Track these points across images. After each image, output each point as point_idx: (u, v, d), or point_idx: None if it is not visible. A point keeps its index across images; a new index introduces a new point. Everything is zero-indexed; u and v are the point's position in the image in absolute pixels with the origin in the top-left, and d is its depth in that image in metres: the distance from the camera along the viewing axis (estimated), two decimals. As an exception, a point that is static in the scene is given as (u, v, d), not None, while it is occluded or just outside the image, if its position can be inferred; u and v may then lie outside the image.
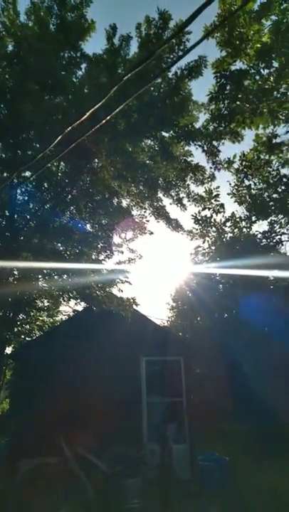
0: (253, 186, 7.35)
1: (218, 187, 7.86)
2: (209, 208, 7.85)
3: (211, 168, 8.13)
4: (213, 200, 7.90)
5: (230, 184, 7.61)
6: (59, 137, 2.85)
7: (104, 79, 7.55)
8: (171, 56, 7.72)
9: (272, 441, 9.34)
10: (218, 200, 7.77)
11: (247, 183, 7.35)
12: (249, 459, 8.33)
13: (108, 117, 2.76)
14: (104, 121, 2.74)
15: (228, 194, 7.65)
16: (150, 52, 6.33)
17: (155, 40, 7.62)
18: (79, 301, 9.35)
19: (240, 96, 6.25)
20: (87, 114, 2.64)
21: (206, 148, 7.97)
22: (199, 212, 7.79)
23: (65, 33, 7.95)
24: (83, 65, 8.40)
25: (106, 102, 3.79)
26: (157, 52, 6.38)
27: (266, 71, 6.13)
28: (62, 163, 8.43)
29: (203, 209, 7.81)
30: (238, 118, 6.41)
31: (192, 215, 7.78)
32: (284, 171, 7.19)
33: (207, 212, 7.88)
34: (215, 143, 7.74)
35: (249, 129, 6.73)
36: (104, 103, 3.24)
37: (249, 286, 8.60)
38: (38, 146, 7.35)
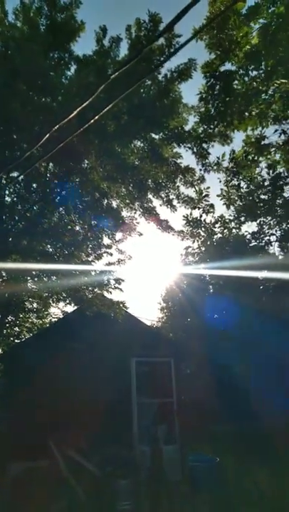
0: (242, 185, 7.42)
1: (209, 187, 8.01)
2: (199, 208, 7.91)
3: (200, 170, 8.20)
4: (203, 201, 8.00)
5: (220, 181, 7.71)
6: (46, 136, 2.84)
7: (92, 79, 7.54)
8: (161, 59, 7.75)
9: (263, 442, 9.40)
10: (208, 201, 7.88)
11: (236, 182, 7.42)
12: (240, 459, 8.36)
13: (96, 117, 2.77)
14: (92, 120, 2.73)
15: (218, 196, 7.73)
16: (139, 52, 6.36)
17: (145, 42, 7.64)
18: (68, 302, 9.31)
19: (228, 99, 6.31)
20: (75, 112, 2.64)
21: (195, 150, 8.01)
22: (191, 214, 7.87)
23: (54, 33, 7.93)
24: (73, 67, 8.39)
25: (95, 102, 3.80)
26: (145, 50, 6.40)
27: (255, 73, 6.21)
28: (51, 164, 8.38)
29: (194, 208, 7.87)
30: (228, 120, 6.47)
31: (183, 216, 7.85)
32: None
33: (197, 213, 7.96)
34: (204, 145, 7.82)
35: (238, 131, 6.81)
36: (92, 103, 3.24)
37: (239, 286, 8.67)
38: (25, 146, 7.30)
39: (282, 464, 7.92)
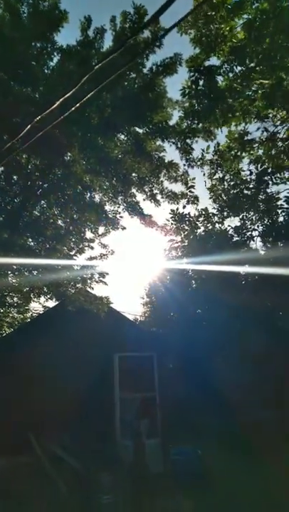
0: (226, 178, 7.49)
1: (194, 178, 8.14)
2: (185, 197, 7.98)
3: (184, 165, 8.22)
4: (188, 192, 8.08)
5: (203, 174, 7.77)
6: (28, 127, 2.77)
7: (76, 69, 7.41)
8: (147, 51, 7.68)
9: (245, 436, 9.56)
10: (193, 192, 7.98)
11: (220, 175, 7.48)
12: (222, 452, 8.49)
13: (78, 104, 2.70)
14: (73, 108, 2.67)
15: (208, 189, 7.78)
16: (124, 43, 6.28)
17: (130, 34, 7.55)
18: (50, 297, 9.19)
19: (212, 95, 6.30)
20: (57, 103, 2.58)
21: (179, 145, 8.02)
22: (177, 209, 7.91)
23: (36, 22, 7.73)
24: (56, 57, 8.22)
25: (79, 94, 3.72)
26: (129, 40, 6.33)
27: (239, 68, 6.22)
28: (33, 156, 8.22)
29: (181, 198, 7.93)
30: (213, 117, 6.47)
31: (171, 211, 7.89)
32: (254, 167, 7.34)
33: (182, 205, 8.04)
34: (188, 140, 7.83)
35: (221, 128, 6.83)
36: (76, 94, 3.17)
37: (220, 281, 8.74)
38: (5, 137, 7.12)
39: (264, 455, 8.09)
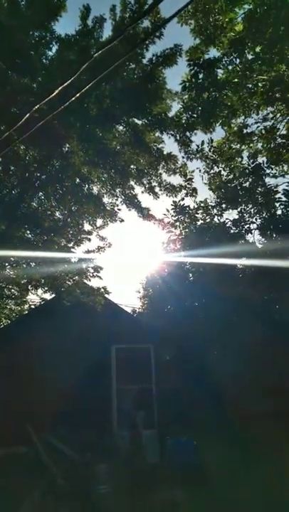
0: (223, 173, 7.49)
1: (193, 171, 8.11)
2: (184, 189, 7.98)
3: (183, 157, 8.19)
4: (187, 184, 8.08)
5: (199, 170, 7.76)
6: (26, 116, 2.74)
7: (74, 58, 7.32)
8: (147, 42, 7.60)
9: (241, 427, 9.65)
10: (191, 184, 7.97)
11: (216, 169, 7.47)
12: (217, 443, 8.57)
13: (78, 94, 2.67)
14: (73, 98, 2.64)
15: (205, 184, 7.79)
16: (123, 31, 6.22)
17: (130, 24, 7.45)
18: (47, 289, 9.19)
19: (212, 88, 6.27)
20: (56, 92, 2.55)
21: (178, 137, 7.97)
22: (179, 201, 7.92)
23: (35, 10, 7.62)
24: (54, 47, 8.12)
25: (77, 83, 3.68)
26: (129, 29, 6.27)
27: (238, 61, 6.18)
28: (31, 147, 8.15)
29: (179, 190, 7.93)
30: (211, 109, 6.44)
31: (172, 203, 7.91)
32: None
33: (181, 198, 8.03)
34: (187, 133, 7.78)
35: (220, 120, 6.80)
36: (74, 84, 3.15)
37: (218, 274, 8.76)
38: (3, 127, 7.06)
39: (261, 447, 8.17)
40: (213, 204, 7.80)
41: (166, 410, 9.37)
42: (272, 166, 7.02)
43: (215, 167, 7.55)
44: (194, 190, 7.97)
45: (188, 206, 7.91)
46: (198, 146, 7.49)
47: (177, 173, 8.61)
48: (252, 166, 7.17)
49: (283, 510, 5.59)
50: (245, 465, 7.36)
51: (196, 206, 7.99)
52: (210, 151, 7.32)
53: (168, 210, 7.93)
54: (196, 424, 10.06)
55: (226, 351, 13.33)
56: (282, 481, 6.39)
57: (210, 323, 14.32)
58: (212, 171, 7.57)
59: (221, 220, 7.87)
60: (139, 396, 9.10)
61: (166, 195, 8.84)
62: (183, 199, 8.01)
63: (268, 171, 6.99)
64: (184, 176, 8.17)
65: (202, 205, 7.92)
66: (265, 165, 6.99)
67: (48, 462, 6.96)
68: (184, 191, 8.15)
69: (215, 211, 7.86)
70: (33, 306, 13.19)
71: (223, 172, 7.56)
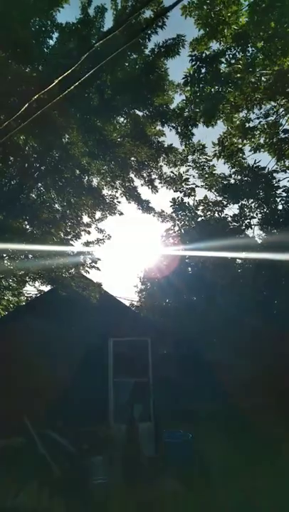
0: (224, 168, 7.46)
1: (188, 170, 8.00)
2: (181, 191, 7.90)
3: (184, 150, 8.11)
4: (183, 184, 8.00)
5: (197, 166, 7.68)
6: (25, 105, 2.69)
7: (75, 47, 7.21)
8: (149, 31, 7.48)
9: (238, 420, 9.72)
10: (188, 184, 7.90)
11: (216, 162, 7.43)
12: (214, 436, 8.64)
13: (77, 83, 2.62)
14: (73, 86, 2.59)
15: (200, 178, 7.72)
16: (125, 20, 6.12)
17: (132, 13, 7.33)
18: (44, 281, 9.16)
19: (214, 82, 6.20)
20: (56, 81, 2.50)
21: (179, 130, 7.89)
22: (178, 198, 7.87)
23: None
24: (55, 35, 7.98)
25: (78, 73, 3.61)
26: (131, 18, 6.17)
27: (241, 54, 6.10)
28: (31, 137, 8.06)
29: (176, 191, 7.86)
30: (214, 103, 6.37)
31: (172, 200, 7.85)
32: (256, 156, 7.28)
33: (180, 196, 7.97)
34: (189, 127, 7.70)
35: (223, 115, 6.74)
36: (75, 73, 3.08)
37: (217, 268, 8.75)
38: (2, 117, 6.96)
39: (256, 440, 8.24)
40: (215, 201, 7.75)
41: (162, 403, 9.41)
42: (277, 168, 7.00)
43: (216, 162, 7.50)
44: (192, 189, 7.90)
45: (188, 203, 7.86)
46: (194, 143, 7.43)
47: (178, 165, 8.55)
48: (252, 166, 7.12)
49: (278, 501, 5.64)
50: (242, 458, 7.42)
51: (195, 204, 7.95)
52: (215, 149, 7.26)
53: (171, 202, 7.87)
54: (192, 417, 10.13)
55: (225, 345, 13.40)
56: (277, 470, 6.46)
57: (209, 317, 14.38)
58: (213, 170, 7.51)
59: (222, 216, 7.83)
60: (136, 389, 9.13)
61: (167, 187, 8.79)
62: (182, 199, 7.94)
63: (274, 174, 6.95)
64: (179, 178, 8.03)
65: (203, 201, 7.87)
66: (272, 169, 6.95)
67: (45, 454, 6.99)
68: (181, 193, 8.05)
69: (216, 207, 7.81)
70: (30, 298, 13.16)
71: (224, 167, 7.53)
